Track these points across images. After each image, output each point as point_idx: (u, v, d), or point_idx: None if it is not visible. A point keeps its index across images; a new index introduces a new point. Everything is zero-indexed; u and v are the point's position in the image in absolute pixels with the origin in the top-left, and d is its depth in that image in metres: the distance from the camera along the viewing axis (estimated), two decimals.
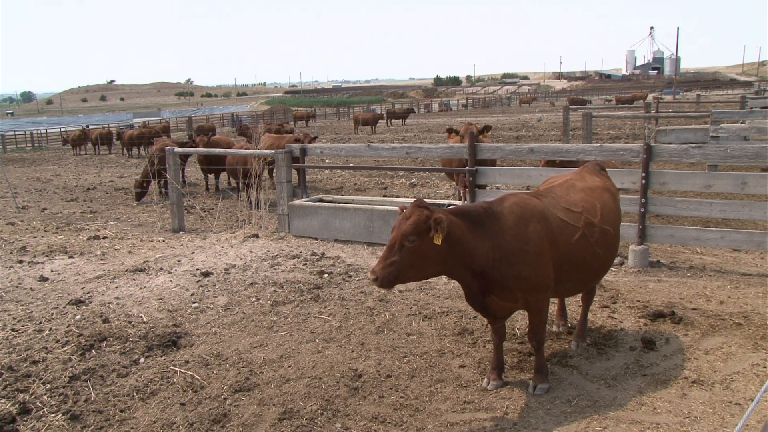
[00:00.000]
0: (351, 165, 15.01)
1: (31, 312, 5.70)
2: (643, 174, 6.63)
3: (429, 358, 4.57)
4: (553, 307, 4.95)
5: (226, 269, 6.86)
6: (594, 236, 4.02)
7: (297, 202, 8.75)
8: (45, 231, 10.05)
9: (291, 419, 3.77)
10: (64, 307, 5.79)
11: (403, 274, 3.54)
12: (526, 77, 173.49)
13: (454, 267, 3.67)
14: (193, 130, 28.90)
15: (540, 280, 3.76)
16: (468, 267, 3.67)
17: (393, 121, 43.89)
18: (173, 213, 9.87)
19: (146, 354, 4.77)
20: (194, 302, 5.89)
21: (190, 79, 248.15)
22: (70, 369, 4.50)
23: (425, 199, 4.59)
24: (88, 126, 38.14)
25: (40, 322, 5.41)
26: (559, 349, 4.63)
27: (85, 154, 31.98)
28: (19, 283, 6.70)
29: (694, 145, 6.85)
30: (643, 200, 6.67)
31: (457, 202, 8.34)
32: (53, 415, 3.93)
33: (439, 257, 3.55)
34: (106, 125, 41.99)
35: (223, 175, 15.78)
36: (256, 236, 8.46)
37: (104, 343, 4.91)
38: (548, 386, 4.01)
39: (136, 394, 4.18)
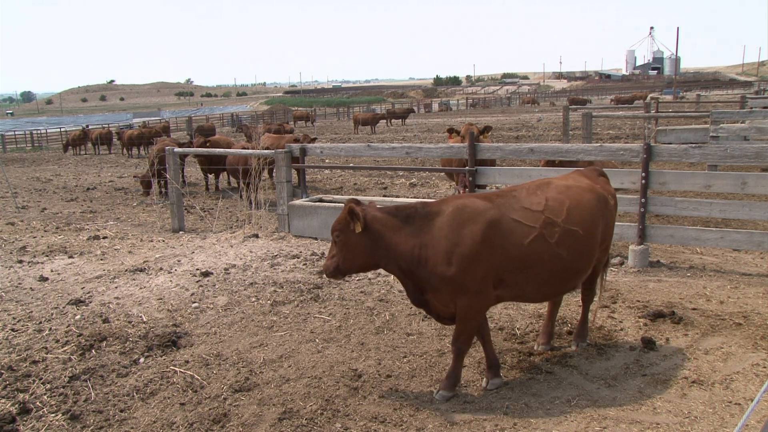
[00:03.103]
0: (351, 165, 15.01)
1: (31, 312, 5.70)
2: (643, 174, 6.63)
3: (429, 358, 4.57)
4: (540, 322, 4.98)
5: (226, 269, 6.86)
6: (554, 237, 3.84)
7: (297, 202, 8.75)
8: (45, 231, 10.05)
9: (291, 419, 3.77)
10: (64, 307, 5.79)
11: (343, 266, 3.93)
12: (526, 77, 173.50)
13: (383, 261, 3.88)
14: (193, 130, 28.88)
15: (469, 284, 3.71)
16: (395, 262, 3.84)
17: (393, 121, 43.88)
18: (173, 213, 9.87)
19: (146, 354, 4.77)
20: (194, 302, 5.89)
21: (190, 79, 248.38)
22: (70, 369, 4.50)
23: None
24: (88, 126, 38.12)
25: (40, 322, 5.41)
26: (559, 349, 4.62)
27: (85, 154, 31.99)
28: (19, 283, 6.70)
29: (694, 145, 6.85)
30: (642, 200, 6.67)
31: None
32: (53, 415, 3.93)
33: (364, 250, 3.84)
34: (106, 125, 41.98)
35: (223, 175, 15.79)
36: (256, 236, 8.46)
37: (104, 343, 4.91)
38: (450, 395, 3.93)
39: (136, 394, 4.18)
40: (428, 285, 3.81)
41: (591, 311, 4.70)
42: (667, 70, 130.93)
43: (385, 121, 42.49)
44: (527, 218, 3.84)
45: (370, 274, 6.48)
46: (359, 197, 4.46)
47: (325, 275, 3.87)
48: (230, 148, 14.20)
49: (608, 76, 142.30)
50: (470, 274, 3.69)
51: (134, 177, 14.71)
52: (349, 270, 4.00)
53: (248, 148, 13.55)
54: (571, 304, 5.48)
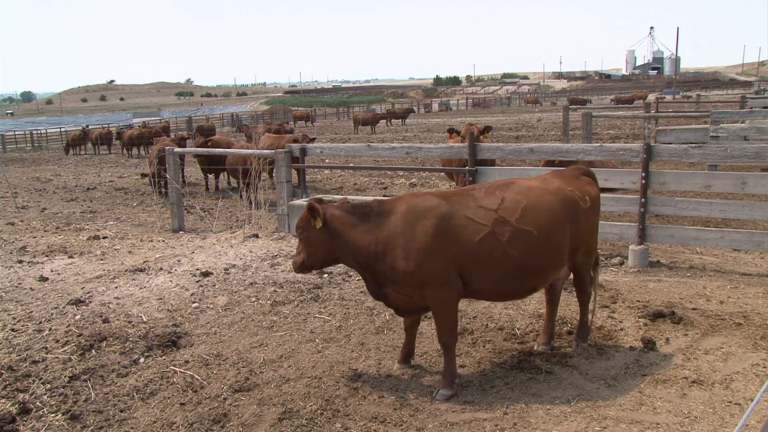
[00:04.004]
0: (351, 165, 15.01)
1: (31, 312, 5.70)
2: (643, 174, 6.63)
3: (429, 358, 4.57)
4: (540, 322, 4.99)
5: (225, 269, 6.86)
6: (504, 235, 3.89)
7: (297, 202, 8.74)
8: (45, 231, 10.05)
9: (291, 419, 3.77)
10: (63, 307, 5.79)
11: (308, 262, 4.14)
12: (525, 77, 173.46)
13: (343, 256, 4.06)
14: (193, 130, 28.88)
15: (430, 278, 3.84)
16: (354, 258, 4.01)
17: (393, 121, 43.88)
18: (173, 213, 9.87)
19: (146, 354, 4.77)
20: (194, 302, 5.89)
21: (190, 79, 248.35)
22: (70, 369, 4.50)
23: None
24: (88, 126, 38.14)
25: (40, 322, 5.41)
26: (559, 349, 4.62)
27: (85, 154, 31.99)
28: (19, 283, 6.70)
29: (694, 145, 6.84)
30: (643, 200, 6.67)
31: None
32: (53, 415, 3.93)
33: (324, 246, 4.03)
34: (106, 125, 41.99)
35: (223, 175, 15.79)
36: (256, 236, 8.46)
37: (104, 343, 4.91)
38: (451, 393, 3.96)
39: (136, 394, 4.18)
40: (387, 279, 3.96)
41: (590, 311, 4.69)
42: (667, 70, 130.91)
43: (385, 121, 42.49)
44: (480, 216, 3.91)
45: None
46: (351, 197, 4.53)
47: (294, 270, 4.25)
48: (230, 148, 14.20)
49: (608, 76, 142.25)
50: (428, 268, 3.82)
51: (141, 176, 14.71)
52: (313, 265, 4.19)
53: (248, 149, 13.55)
54: (571, 304, 5.48)
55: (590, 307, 4.68)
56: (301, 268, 4.19)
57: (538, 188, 4.19)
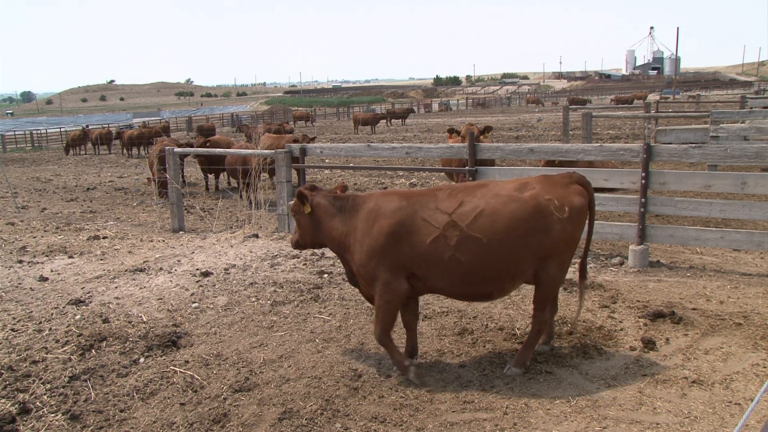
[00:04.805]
0: (351, 165, 15.00)
1: (31, 312, 5.70)
2: (643, 174, 6.63)
3: (429, 358, 4.57)
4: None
5: (225, 269, 6.86)
6: (453, 240, 3.91)
7: None
8: (45, 231, 10.05)
9: (291, 419, 3.77)
10: (63, 307, 5.79)
11: (301, 241, 4.61)
12: (525, 77, 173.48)
13: (326, 241, 4.44)
14: (193, 130, 28.89)
15: (377, 273, 4.06)
16: (331, 244, 4.41)
17: (393, 121, 43.89)
18: (173, 213, 9.87)
19: (146, 354, 4.77)
20: (194, 302, 5.89)
21: (190, 79, 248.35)
22: (70, 369, 4.50)
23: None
24: (88, 126, 38.13)
25: (40, 322, 5.41)
26: (559, 349, 4.62)
27: (85, 154, 31.99)
28: (19, 283, 6.70)
29: (694, 145, 6.84)
30: (642, 200, 6.67)
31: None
32: (53, 415, 3.93)
33: (310, 230, 4.46)
34: (106, 125, 41.99)
35: (223, 175, 15.79)
36: (256, 236, 8.46)
37: (104, 343, 4.91)
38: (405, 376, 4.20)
39: (136, 394, 4.18)
40: (352, 268, 4.31)
41: (550, 330, 4.50)
42: (667, 70, 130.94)
43: (385, 121, 42.50)
44: (434, 219, 4.01)
45: None
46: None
47: (291, 246, 4.78)
48: (230, 148, 14.20)
49: (608, 76, 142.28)
50: (377, 263, 4.06)
51: (148, 180, 14.76)
52: (305, 245, 4.64)
53: (248, 149, 13.55)
54: (571, 304, 5.48)
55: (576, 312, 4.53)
56: (296, 245, 4.69)
57: (506, 194, 4.05)
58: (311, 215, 4.39)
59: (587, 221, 4.31)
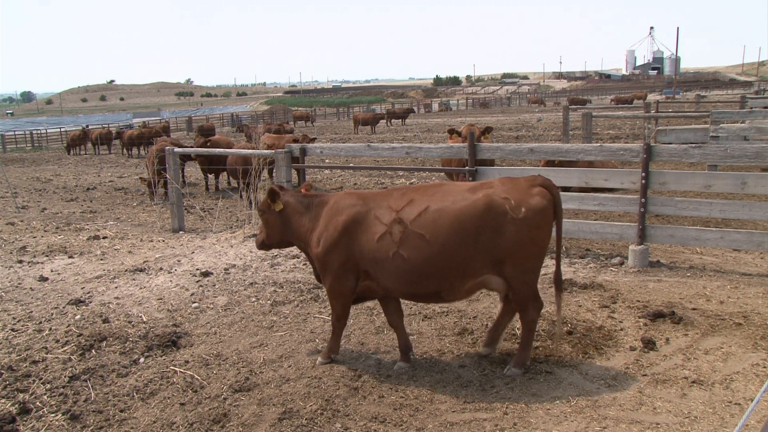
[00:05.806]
0: (351, 165, 15.00)
1: (31, 312, 5.70)
2: (643, 174, 6.63)
3: (429, 357, 4.57)
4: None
5: (225, 269, 6.86)
6: (397, 236, 3.99)
7: None
8: (45, 231, 10.05)
9: (291, 419, 3.77)
10: (63, 307, 5.79)
11: (267, 241, 4.72)
12: (526, 77, 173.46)
13: (293, 239, 4.57)
14: (193, 130, 28.89)
15: (330, 266, 4.26)
16: (298, 241, 4.54)
17: (393, 121, 43.88)
18: (173, 213, 9.86)
19: (146, 354, 4.77)
20: (194, 302, 5.89)
21: (190, 79, 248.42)
22: (70, 369, 4.50)
23: None
24: (88, 126, 38.13)
25: (40, 322, 5.41)
26: (556, 349, 4.62)
27: (85, 154, 31.98)
28: (19, 283, 6.70)
29: (694, 145, 6.84)
30: (642, 200, 6.67)
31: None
32: (53, 415, 3.93)
33: (278, 228, 4.57)
34: (106, 125, 41.98)
35: (223, 175, 15.79)
36: (256, 236, 8.45)
37: (104, 343, 4.92)
38: (326, 361, 4.50)
39: (136, 394, 4.18)
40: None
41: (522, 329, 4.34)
42: (667, 70, 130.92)
43: (385, 121, 42.49)
44: (383, 216, 4.12)
45: None
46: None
47: (256, 247, 4.86)
48: (230, 148, 14.20)
49: (608, 76, 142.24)
50: (330, 257, 4.23)
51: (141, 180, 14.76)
52: (271, 244, 4.76)
53: (248, 149, 13.55)
54: (571, 304, 5.48)
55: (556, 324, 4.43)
56: (261, 245, 4.79)
57: (456, 193, 4.04)
58: (281, 213, 4.51)
59: (554, 226, 4.14)
